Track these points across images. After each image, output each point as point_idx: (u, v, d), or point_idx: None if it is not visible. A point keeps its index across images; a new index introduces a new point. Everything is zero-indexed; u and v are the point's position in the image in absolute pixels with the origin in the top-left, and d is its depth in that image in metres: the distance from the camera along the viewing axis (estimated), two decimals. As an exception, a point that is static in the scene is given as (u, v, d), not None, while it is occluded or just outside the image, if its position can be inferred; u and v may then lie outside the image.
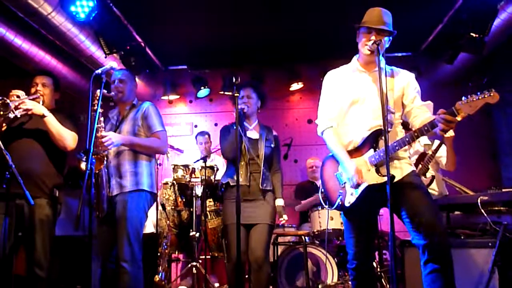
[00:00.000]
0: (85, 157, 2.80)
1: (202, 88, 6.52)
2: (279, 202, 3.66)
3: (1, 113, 2.93)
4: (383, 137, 2.37)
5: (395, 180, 2.49)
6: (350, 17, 2.86)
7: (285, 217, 3.73)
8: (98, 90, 3.00)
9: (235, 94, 3.24)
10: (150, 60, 6.30)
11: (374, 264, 4.12)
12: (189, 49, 6.30)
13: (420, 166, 4.05)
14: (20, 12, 4.11)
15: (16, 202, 3.05)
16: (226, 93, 6.43)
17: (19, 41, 4.75)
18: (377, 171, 2.58)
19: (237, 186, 3.04)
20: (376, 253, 4.31)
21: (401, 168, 2.62)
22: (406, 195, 2.52)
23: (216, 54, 6.32)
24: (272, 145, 3.70)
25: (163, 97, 6.79)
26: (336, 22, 5.05)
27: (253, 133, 3.70)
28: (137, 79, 5.89)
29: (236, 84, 3.24)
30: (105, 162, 3.14)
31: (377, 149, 2.61)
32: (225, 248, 4.50)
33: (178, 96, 6.84)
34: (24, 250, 3.17)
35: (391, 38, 2.72)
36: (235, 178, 3.33)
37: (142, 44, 5.58)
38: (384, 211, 3.94)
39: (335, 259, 4.44)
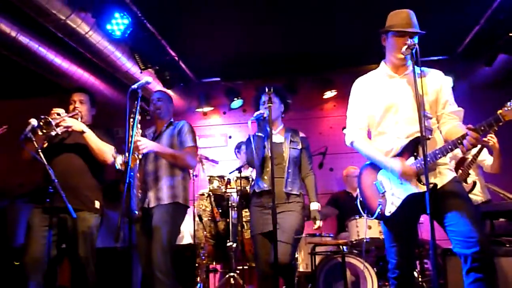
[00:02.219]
0: (118, 155, 2.92)
1: (235, 99, 6.57)
2: (314, 206, 3.52)
3: (44, 131, 3.05)
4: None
5: (437, 188, 2.43)
6: (382, 21, 2.81)
7: (318, 223, 3.52)
8: (137, 102, 3.10)
9: (269, 104, 3.22)
10: (184, 74, 6.39)
11: (416, 273, 4.02)
12: (222, 61, 6.37)
13: (460, 171, 3.94)
14: (60, 33, 4.27)
15: (59, 216, 3.15)
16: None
17: (58, 60, 4.92)
18: (418, 180, 2.51)
19: (273, 192, 2.98)
20: (418, 262, 4.20)
21: (442, 175, 2.55)
22: (447, 203, 2.44)
23: (249, 65, 6.37)
24: (299, 147, 3.57)
25: (197, 109, 6.87)
26: (367, 26, 5.00)
27: (277, 137, 3.59)
28: (171, 92, 6.02)
29: (270, 94, 3.24)
30: (137, 161, 3.19)
31: (417, 157, 2.53)
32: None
33: (212, 108, 6.91)
34: (68, 262, 3.27)
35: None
36: (260, 185, 3.45)
37: (176, 58, 5.68)
38: (424, 219, 3.84)
39: (375, 268, 4.34)
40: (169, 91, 5.91)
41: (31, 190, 5.27)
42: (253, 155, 3.45)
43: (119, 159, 3.04)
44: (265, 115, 3.39)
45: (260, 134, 3.47)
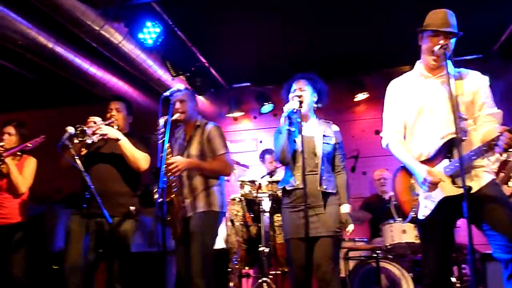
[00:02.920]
0: (156, 179, 2.92)
1: (266, 103, 6.58)
2: (345, 208, 3.19)
3: (80, 139, 3.13)
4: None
5: (473, 191, 2.36)
6: (414, 22, 2.77)
7: (351, 227, 3.22)
8: (161, 119, 3.11)
9: (299, 108, 3.09)
10: (215, 79, 6.46)
11: (453, 279, 3.91)
12: (252, 66, 6.39)
13: (501, 174, 3.81)
14: (94, 43, 4.39)
15: (96, 221, 3.23)
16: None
17: (93, 69, 5.06)
18: (453, 182, 2.44)
19: (304, 192, 2.85)
20: (455, 267, 4.08)
21: (479, 178, 2.47)
22: (485, 207, 2.38)
23: (279, 69, 6.35)
24: (332, 142, 3.26)
25: (228, 115, 6.92)
26: (399, 27, 4.93)
27: (309, 130, 3.26)
28: (203, 98, 6.10)
29: (301, 98, 3.16)
30: (174, 191, 3.23)
31: (452, 159, 2.47)
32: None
33: (242, 113, 6.94)
34: (105, 266, 3.35)
35: (455, 39, 2.60)
36: (292, 182, 3.18)
37: (206, 65, 5.75)
38: (461, 222, 3.74)
39: (411, 274, 4.25)
40: (202, 98, 6.02)
41: (69, 196, 5.46)
42: (282, 150, 3.18)
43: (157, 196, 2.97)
44: (295, 110, 3.11)
45: (290, 127, 3.17)
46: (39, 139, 4.02)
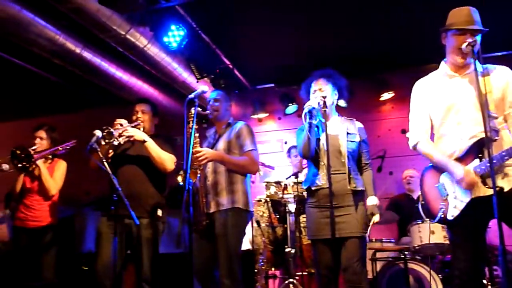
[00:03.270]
0: (182, 172, 2.95)
1: (290, 104, 6.57)
2: (371, 200, 3.16)
3: (107, 141, 3.18)
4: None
5: (504, 190, 2.30)
6: (439, 20, 2.72)
7: (376, 217, 3.14)
8: (193, 108, 3.12)
9: (324, 109, 3.03)
10: (239, 81, 6.48)
11: (485, 281, 3.82)
12: (276, 67, 6.38)
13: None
14: (120, 47, 4.46)
15: (124, 222, 3.28)
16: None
17: (120, 73, 5.15)
18: (484, 183, 2.39)
19: (330, 191, 2.79)
20: (486, 269, 3.98)
21: (511, 177, 2.41)
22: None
23: (303, 69, 6.30)
24: (356, 139, 3.21)
25: (252, 116, 6.93)
26: (424, 25, 4.85)
27: (332, 129, 3.19)
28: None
29: (324, 98, 3.13)
30: (198, 176, 3.23)
31: (483, 159, 2.42)
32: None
33: (267, 114, 6.94)
34: (133, 267, 3.40)
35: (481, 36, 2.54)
36: (317, 182, 3.14)
37: (230, 66, 5.77)
38: (492, 223, 3.65)
39: (440, 275, 4.17)
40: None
41: (97, 198, 5.56)
42: (304, 144, 3.12)
43: (180, 178, 3.12)
44: (315, 111, 3.10)
45: (312, 121, 3.11)
46: (70, 143, 4.11)
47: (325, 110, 3.04)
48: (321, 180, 3.11)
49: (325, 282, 3.09)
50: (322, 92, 3.18)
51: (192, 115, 3.09)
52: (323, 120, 3.01)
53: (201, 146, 3.31)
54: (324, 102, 3.07)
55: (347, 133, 3.20)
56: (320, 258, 3.11)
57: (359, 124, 3.33)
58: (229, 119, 3.54)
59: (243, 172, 3.38)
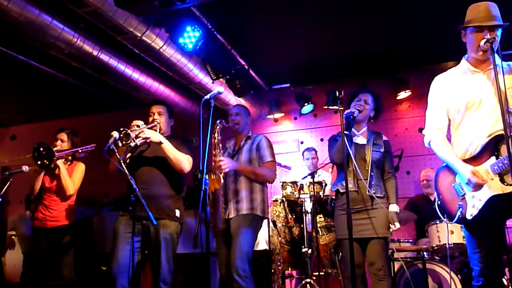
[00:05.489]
0: (199, 175, 3.00)
1: (306, 104, 6.55)
2: (392, 208, 3.42)
3: (124, 142, 3.21)
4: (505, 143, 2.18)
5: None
6: (457, 18, 2.68)
7: (397, 224, 3.39)
8: (218, 121, 3.56)
9: (340, 108, 3.17)
10: (254, 81, 6.48)
11: (505, 281, 3.75)
12: (291, 67, 6.38)
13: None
14: (136, 49, 4.51)
15: (142, 223, 3.32)
16: (330, 107, 6.40)
17: (136, 75, 5.21)
18: (502, 181, 2.35)
19: (347, 194, 3.05)
20: (507, 269, 3.92)
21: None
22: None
23: (318, 69, 6.33)
24: (382, 150, 3.50)
25: (268, 116, 6.94)
26: (442, 23, 4.79)
27: (360, 139, 3.55)
28: (243, 100, 6.13)
29: (340, 98, 3.19)
30: (221, 182, 3.40)
31: (499, 157, 2.38)
32: (338, 262, 4.55)
33: (283, 114, 6.95)
34: (150, 267, 3.43)
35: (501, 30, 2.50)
36: (344, 184, 3.27)
37: (246, 67, 5.78)
38: (510, 223, 3.58)
39: (459, 276, 4.12)
40: (242, 100, 6.06)
41: (116, 199, 5.62)
42: (337, 151, 3.43)
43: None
44: (355, 114, 3.38)
45: (346, 132, 3.36)
46: (90, 147, 4.16)
47: (360, 115, 3.40)
48: (350, 184, 3.36)
49: (354, 277, 3.15)
50: (365, 104, 3.49)
51: (218, 128, 3.54)
52: (354, 130, 3.46)
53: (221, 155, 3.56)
54: (360, 111, 3.41)
55: (373, 144, 3.52)
56: (347, 257, 3.27)
57: (385, 137, 3.64)
58: (248, 133, 3.81)
59: (262, 181, 3.63)
